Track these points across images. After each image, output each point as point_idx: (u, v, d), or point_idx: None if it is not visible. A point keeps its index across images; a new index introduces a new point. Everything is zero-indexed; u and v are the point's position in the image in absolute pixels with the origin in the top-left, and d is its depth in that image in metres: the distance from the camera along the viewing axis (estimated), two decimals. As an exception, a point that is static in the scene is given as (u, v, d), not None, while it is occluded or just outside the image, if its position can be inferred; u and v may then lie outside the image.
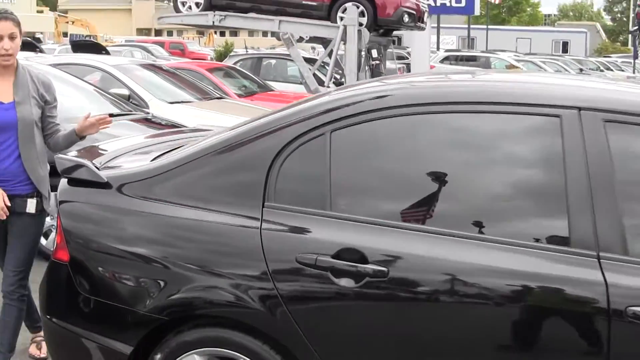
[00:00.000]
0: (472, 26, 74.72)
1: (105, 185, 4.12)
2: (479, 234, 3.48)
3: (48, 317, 4.37)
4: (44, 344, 5.40)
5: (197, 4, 17.54)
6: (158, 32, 79.49)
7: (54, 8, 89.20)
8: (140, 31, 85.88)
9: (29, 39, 30.35)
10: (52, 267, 4.34)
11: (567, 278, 3.27)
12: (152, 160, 4.28)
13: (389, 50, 39.57)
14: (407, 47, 37.27)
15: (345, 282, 3.52)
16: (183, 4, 17.73)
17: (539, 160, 3.56)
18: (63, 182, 4.35)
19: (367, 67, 17.05)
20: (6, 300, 5.22)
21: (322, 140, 3.74)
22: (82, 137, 5.29)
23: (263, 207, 3.74)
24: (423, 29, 19.14)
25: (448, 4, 27.57)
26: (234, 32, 18.79)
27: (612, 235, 3.28)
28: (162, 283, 3.88)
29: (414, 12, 17.19)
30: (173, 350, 3.85)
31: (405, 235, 3.54)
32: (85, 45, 25.51)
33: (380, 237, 3.56)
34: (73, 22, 59.15)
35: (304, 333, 3.60)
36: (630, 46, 70.25)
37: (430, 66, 32.07)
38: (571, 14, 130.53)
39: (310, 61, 19.49)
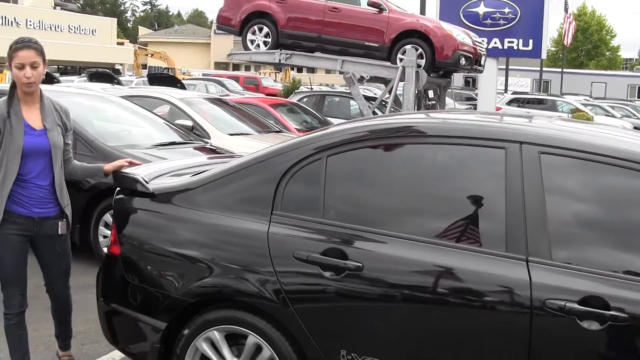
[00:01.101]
0: (547, 69, 74.76)
1: (151, 195, 5.10)
2: (438, 239, 4.32)
3: (102, 299, 5.31)
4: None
5: (265, 43, 18.51)
6: (235, 67, 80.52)
7: (134, 40, 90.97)
8: (218, 65, 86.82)
9: (108, 70, 31.69)
10: (107, 260, 5.30)
11: (503, 276, 4.07)
12: (191, 177, 5.24)
13: (457, 91, 40.14)
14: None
15: (330, 274, 4.40)
16: (252, 42, 18.67)
17: (487, 183, 4.36)
18: (117, 191, 5.34)
19: (423, 107, 17.81)
20: (65, 308, 5.78)
21: (320, 162, 4.67)
22: (107, 175, 5.55)
23: (271, 214, 4.68)
24: (481, 71, 19.72)
25: (515, 47, 27.60)
26: (312, 68, 19.54)
27: (539, 243, 4.10)
28: (193, 274, 4.78)
29: (471, 56, 17.80)
30: (198, 327, 4.76)
31: (378, 239, 4.39)
32: (161, 78, 26.20)
33: (358, 240, 4.43)
34: (152, 55, 60.11)
35: (297, 314, 4.44)
36: None
37: (497, 108, 32.44)
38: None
39: (370, 100, 20.34)
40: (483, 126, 4.76)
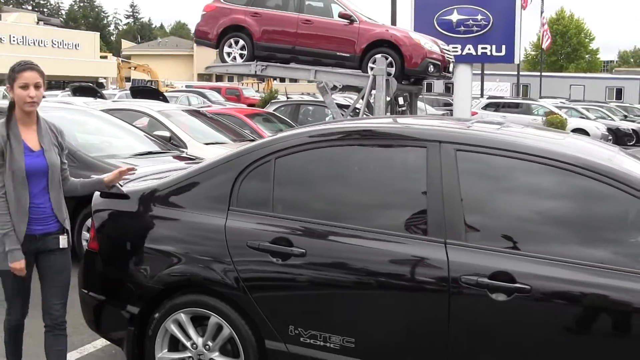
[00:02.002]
0: (526, 73, 75.50)
1: (125, 197, 5.77)
2: (371, 227, 4.98)
3: (84, 290, 5.95)
4: None
5: (241, 55, 19.18)
6: (219, 78, 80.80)
7: (117, 53, 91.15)
8: (201, 76, 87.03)
9: (91, 84, 32.28)
10: (88, 254, 5.95)
11: (426, 257, 4.75)
12: (159, 180, 5.91)
13: (435, 97, 40.79)
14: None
15: (278, 260, 5.08)
16: (228, 54, 19.35)
17: (412, 177, 5.05)
18: (96, 194, 5.98)
19: (394, 113, 18.48)
20: (56, 331, 5.50)
21: (269, 164, 5.35)
22: (110, 187, 5.75)
23: (228, 210, 5.35)
24: (449, 78, 20.43)
25: (489, 53, 28.14)
26: (294, 78, 20.24)
27: (455, 228, 4.77)
28: (162, 265, 5.45)
29: (439, 63, 18.50)
30: (167, 310, 5.42)
31: (320, 229, 5.07)
32: (143, 91, 26.67)
33: (302, 230, 5.11)
34: (135, 68, 60.20)
35: (251, 296, 5.11)
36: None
37: (472, 112, 33.07)
38: (632, 60, 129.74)
39: (344, 107, 21.03)
40: (407, 128, 5.49)
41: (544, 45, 62.75)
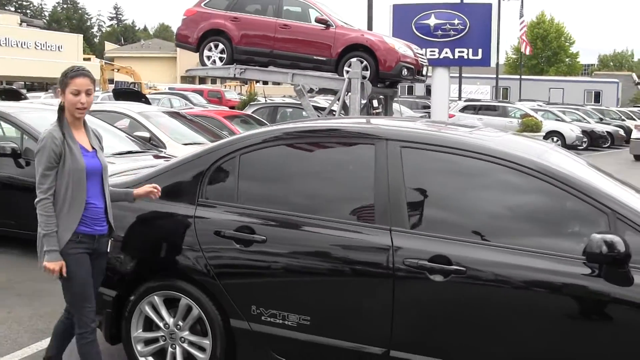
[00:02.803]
0: (507, 76, 76.19)
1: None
2: (325, 216, 5.51)
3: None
4: None
5: (221, 59, 19.73)
6: (202, 80, 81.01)
7: (100, 55, 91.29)
8: (185, 79, 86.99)
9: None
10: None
11: (373, 242, 5.29)
12: (134, 175, 6.43)
13: (415, 100, 41.26)
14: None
15: (241, 246, 5.61)
16: (208, 58, 19.92)
17: (362, 171, 5.56)
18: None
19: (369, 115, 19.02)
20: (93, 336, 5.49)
21: (235, 160, 5.89)
22: (134, 200, 5.84)
23: (197, 201, 5.88)
24: (423, 81, 21.01)
25: (465, 57, 28.67)
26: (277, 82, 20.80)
27: (399, 216, 5.31)
28: (137, 252, 6.05)
29: (413, 67, 19.11)
30: (142, 293, 5.93)
31: (279, 218, 5.61)
32: (126, 93, 26.79)
33: (263, 219, 5.65)
34: (118, 70, 60.48)
35: (218, 279, 5.64)
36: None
37: (450, 115, 33.63)
38: (611, 64, 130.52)
39: (320, 110, 21.58)
40: (358, 127, 6.08)
41: (526, 51, 63.54)
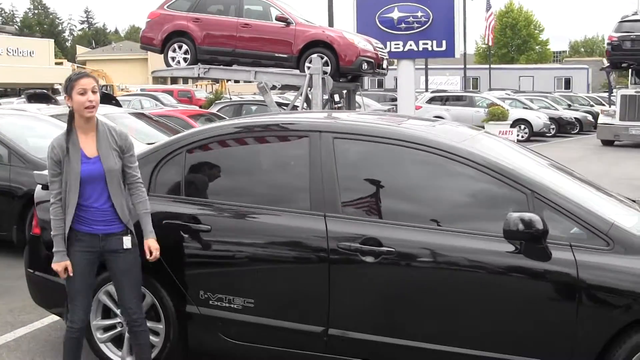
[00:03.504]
0: (476, 66, 76.73)
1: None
2: (265, 205, 5.93)
3: (30, 270, 6.84)
4: None
5: (185, 59, 20.13)
6: (174, 80, 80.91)
7: (72, 59, 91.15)
8: (156, 80, 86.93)
9: (45, 90, 32.64)
10: (31, 238, 6.83)
11: (309, 228, 5.69)
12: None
13: (382, 93, 41.66)
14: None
15: (188, 236, 6.01)
16: (173, 59, 20.34)
17: (298, 161, 5.98)
18: (38, 187, 6.87)
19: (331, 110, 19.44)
20: (134, 328, 5.81)
21: (181, 156, 6.30)
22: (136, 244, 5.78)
23: (148, 194, 6.23)
24: (384, 74, 21.46)
25: (430, 49, 28.97)
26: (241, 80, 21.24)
27: (333, 203, 5.72)
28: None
29: (373, 61, 19.57)
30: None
31: (223, 208, 6.03)
32: (36, 95, 27.29)
33: (208, 209, 6.06)
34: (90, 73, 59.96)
35: (168, 267, 6.03)
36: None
37: (416, 107, 34.07)
38: (582, 50, 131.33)
39: (283, 105, 22.00)
40: (293, 121, 6.52)
41: (489, 42, 64.20)
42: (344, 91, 21.40)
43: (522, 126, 36.09)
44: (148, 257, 5.72)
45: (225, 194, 6.20)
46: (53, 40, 74.24)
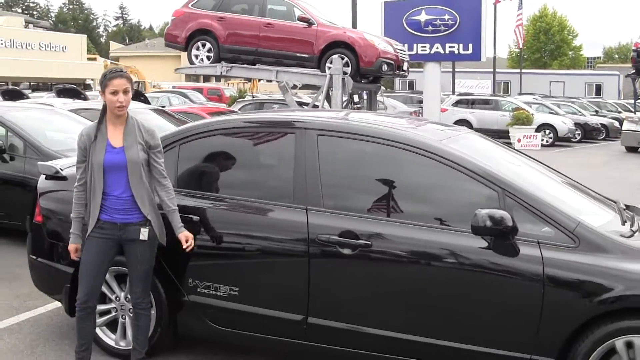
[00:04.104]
0: (507, 70, 76.60)
1: (64, 178, 6.97)
2: (250, 197, 6.20)
3: (33, 256, 7.16)
4: None
5: (208, 57, 20.48)
6: (206, 78, 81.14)
7: (106, 55, 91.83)
8: (189, 77, 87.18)
9: (74, 86, 32.97)
10: (34, 226, 7.14)
11: (292, 220, 5.97)
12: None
13: (410, 95, 41.77)
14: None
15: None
16: (196, 56, 20.68)
17: (284, 156, 6.28)
18: (42, 177, 7.18)
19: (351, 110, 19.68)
20: (136, 309, 6.15)
21: (175, 149, 6.60)
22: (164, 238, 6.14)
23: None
24: (404, 76, 21.66)
25: (456, 52, 29.09)
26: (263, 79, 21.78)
27: (314, 197, 5.96)
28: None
29: (393, 62, 19.79)
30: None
31: (211, 198, 6.33)
32: (66, 91, 27.68)
33: (197, 200, 6.35)
34: (122, 69, 60.36)
35: (160, 256, 6.20)
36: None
37: (442, 109, 34.17)
38: (616, 56, 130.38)
39: (304, 105, 22.27)
40: (281, 118, 6.84)
41: (519, 44, 64.13)
42: (365, 92, 21.61)
43: (547, 131, 36.09)
44: (185, 245, 6.01)
45: (215, 186, 6.52)
46: (86, 36, 74.86)
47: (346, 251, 5.76)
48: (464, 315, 5.54)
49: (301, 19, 19.61)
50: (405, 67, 20.94)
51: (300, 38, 19.74)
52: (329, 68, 19.27)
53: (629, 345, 5.13)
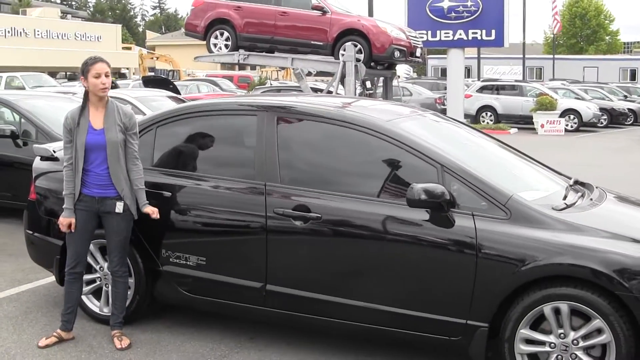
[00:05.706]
0: (539, 56, 76.33)
1: (56, 159, 7.49)
2: (218, 175, 6.69)
3: (29, 231, 7.72)
4: (124, 337, 6.74)
5: (226, 46, 21.06)
6: (241, 67, 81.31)
7: (143, 44, 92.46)
8: (224, 66, 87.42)
9: (162, 76, 33.25)
10: (30, 203, 7.70)
11: (252, 195, 6.47)
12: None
13: (435, 81, 42.05)
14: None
15: (154, 200, 6.65)
16: (215, 45, 21.27)
17: (247, 137, 6.82)
18: (37, 158, 7.74)
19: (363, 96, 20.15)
20: (114, 277, 6.70)
21: (152, 132, 7.11)
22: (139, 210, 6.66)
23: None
24: (418, 62, 22.08)
25: (479, 38, 29.31)
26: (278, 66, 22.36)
27: (272, 173, 6.43)
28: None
29: (405, 49, 20.24)
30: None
31: (184, 176, 6.83)
32: (155, 80, 27.98)
33: (171, 178, 6.87)
34: (157, 58, 61.59)
35: (137, 228, 6.75)
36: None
37: (466, 95, 34.42)
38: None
39: (318, 91, 22.76)
40: (246, 101, 7.37)
41: (555, 30, 63.95)
42: (381, 78, 22.05)
43: (572, 116, 36.14)
44: (152, 216, 6.57)
45: (187, 165, 7.02)
46: (121, 25, 75.66)
47: (299, 223, 6.25)
48: (404, 282, 5.98)
49: (315, 8, 20.07)
50: (418, 54, 21.33)
51: (315, 26, 20.26)
52: (342, 55, 19.68)
53: (557, 311, 5.54)
